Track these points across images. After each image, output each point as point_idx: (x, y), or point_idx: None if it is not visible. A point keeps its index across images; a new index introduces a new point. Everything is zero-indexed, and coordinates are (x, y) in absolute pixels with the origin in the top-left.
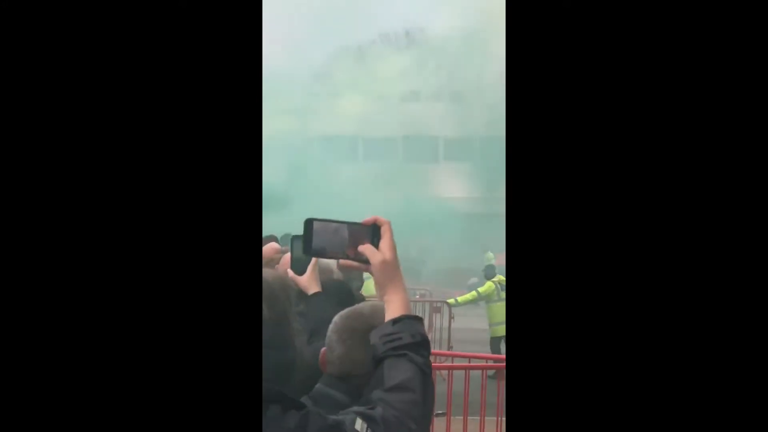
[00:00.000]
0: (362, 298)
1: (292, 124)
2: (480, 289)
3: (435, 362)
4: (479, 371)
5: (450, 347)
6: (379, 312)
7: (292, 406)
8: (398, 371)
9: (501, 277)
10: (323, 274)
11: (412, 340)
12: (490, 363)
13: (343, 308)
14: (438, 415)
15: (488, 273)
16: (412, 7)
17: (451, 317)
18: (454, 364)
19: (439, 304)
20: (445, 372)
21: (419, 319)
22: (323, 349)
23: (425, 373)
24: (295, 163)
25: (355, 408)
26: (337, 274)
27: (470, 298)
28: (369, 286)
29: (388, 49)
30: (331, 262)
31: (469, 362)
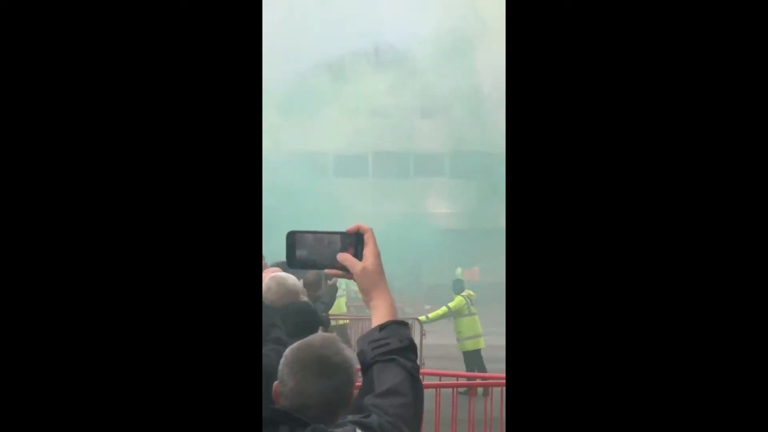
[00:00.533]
0: (327, 320)
1: (265, 141)
2: (450, 305)
3: None
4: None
5: (422, 364)
6: (330, 343)
7: (298, 424)
8: (388, 376)
9: (470, 292)
10: (290, 296)
11: (400, 344)
12: (461, 381)
13: (304, 330)
14: None
15: (456, 288)
16: (383, 24)
17: (422, 334)
18: (425, 382)
19: (410, 321)
20: None
21: (405, 324)
22: (276, 382)
23: (414, 377)
24: (270, 180)
25: (350, 417)
26: (304, 296)
27: (441, 313)
28: (340, 304)
29: (361, 66)
30: (299, 284)
31: (440, 380)
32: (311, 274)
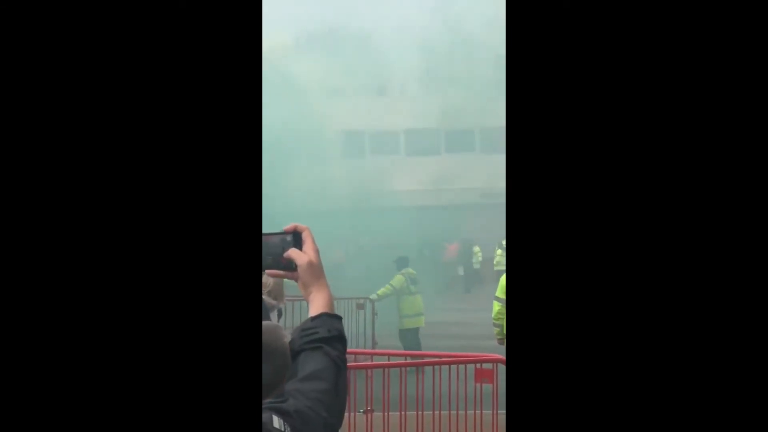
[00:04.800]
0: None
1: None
2: (392, 282)
3: (355, 362)
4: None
5: (375, 343)
6: (271, 330)
7: None
8: (312, 362)
9: (410, 270)
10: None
11: (328, 334)
12: (409, 360)
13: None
14: (364, 411)
15: (399, 264)
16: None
17: (374, 313)
18: (374, 362)
19: (362, 301)
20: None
21: (338, 317)
22: None
23: (339, 366)
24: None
25: (267, 402)
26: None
27: (387, 291)
28: None
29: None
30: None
31: (389, 359)
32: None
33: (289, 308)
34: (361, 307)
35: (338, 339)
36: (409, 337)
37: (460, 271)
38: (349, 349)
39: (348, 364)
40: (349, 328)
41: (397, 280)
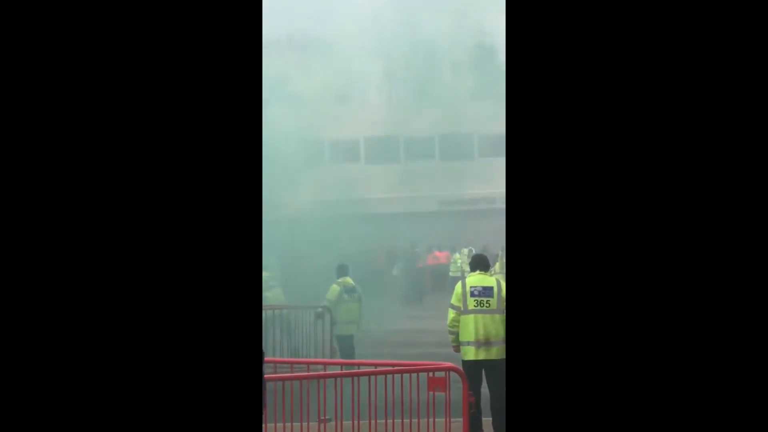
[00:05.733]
0: None
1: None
2: (327, 296)
3: (308, 371)
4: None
5: (333, 350)
6: None
7: None
8: None
9: (347, 279)
10: None
11: None
12: (363, 369)
13: None
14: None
15: (339, 272)
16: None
17: (333, 322)
18: (327, 372)
19: (320, 310)
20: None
21: None
22: None
23: None
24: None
25: None
26: None
27: (330, 307)
28: (278, 294)
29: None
30: None
31: (342, 369)
32: None
33: None
34: (320, 316)
35: None
36: (345, 343)
37: (394, 271)
38: (302, 359)
39: (302, 374)
40: (308, 337)
41: (331, 291)
